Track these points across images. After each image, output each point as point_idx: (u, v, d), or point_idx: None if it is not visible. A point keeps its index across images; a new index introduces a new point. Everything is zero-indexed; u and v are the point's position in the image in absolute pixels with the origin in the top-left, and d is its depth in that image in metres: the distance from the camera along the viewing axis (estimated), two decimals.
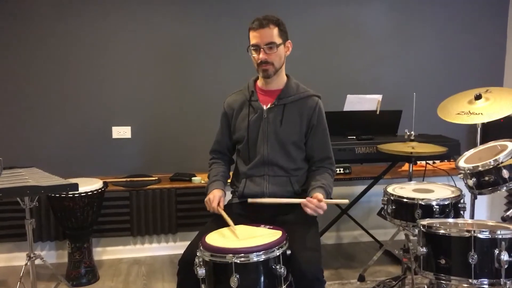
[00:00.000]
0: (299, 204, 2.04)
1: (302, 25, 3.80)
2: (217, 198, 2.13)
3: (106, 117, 3.63)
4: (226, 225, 2.05)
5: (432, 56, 4.05)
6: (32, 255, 2.62)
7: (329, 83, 3.77)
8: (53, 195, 2.97)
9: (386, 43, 3.97)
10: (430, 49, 4.04)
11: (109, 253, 3.60)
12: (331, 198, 2.16)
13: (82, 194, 2.98)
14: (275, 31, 2.14)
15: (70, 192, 2.89)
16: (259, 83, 2.31)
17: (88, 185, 3.05)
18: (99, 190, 3.09)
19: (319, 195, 2.02)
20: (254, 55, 2.18)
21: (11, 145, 3.51)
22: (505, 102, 2.59)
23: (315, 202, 1.98)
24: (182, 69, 3.71)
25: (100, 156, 3.65)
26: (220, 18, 3.70)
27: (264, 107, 2.24)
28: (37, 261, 2.67)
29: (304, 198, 2.08)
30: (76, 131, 3.60)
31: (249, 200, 2.12)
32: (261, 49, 2.14)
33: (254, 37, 2.15)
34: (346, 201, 2.08)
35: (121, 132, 3.67)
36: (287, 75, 2.30)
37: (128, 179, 3.56)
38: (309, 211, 2.00)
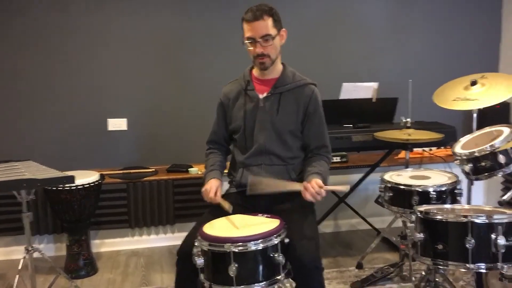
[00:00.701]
0: (296, 192, 2.04)
1: (298, 14, 3.77)
2: (214, 188, 2.13)
3: (102, 109, 3.62)
4: (224, 214, 2.05)
5: (427, 43, 4.04)
6: (30, 248, 2.61)
7: (325, 72, 3.75)
8: (49, 188, 2.97)
9: (382, 31, 3.96)
10: (425, 36, 4.03)
11: (108, 245, 3.60)
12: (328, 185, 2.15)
13: (79, 187, 2.97)
14: (270, 22, 2.11)
15: (66, 185, 2.88)
16: (255, 72, 2.30)
17: (85, 177, 3.04)
18: (96, 183, 3.09)
19: (319, 181, 2.01)
20: (250, 48, 2.16)
21: (7, 139, 3.49)
22: (500, 88, 2.59)
23: (316, 188, 1.96)
24: (178, 60, 3.69)
25: (96, 148, 3.63)
26: (215, 10, 3.68)
27: (260, 96, 2.23)
28: (36, 254, 2.67)
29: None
30: (72, 124, 3.58)
31: (250, 182, 2.07)
32: (257, 42, 2.12)
33: (248, 30, 2.12)
34: (347, 187, 2.03)
35: (117, 124, 3.66)
36: (283, 64, 2.29)
37: (125, 171, 3.55)
38: (308, 196, 1.97)
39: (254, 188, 2.04)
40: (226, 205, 2.04)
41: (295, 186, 2.04)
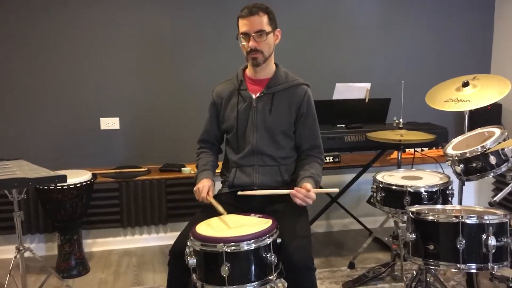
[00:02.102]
0: (289, 196, 2.05)
1: (291, 14, 3.78)
2: (206, 188, 2.13)
3: (94, 108, 3.60)
4: (216, 214, 2.05)
5: (419, 44, 4.06)
6: (21, 248, 2.60)
7: (318, 73, 3.77)
8: (41, 187, 2.95)
9: (374, 32, 3.98)
10: (417, 37, 4.06)
11: (99, 244, 3.59)
12: (320, 187, 2.17)
13: (70, 186, 2.96)
14: (265, 19, 2.13)
15: (58, 184, 2.87)
16: (248, 72, 2.30)
17: (77, 176, 3.02)
18: (88, 182, 3.07)
19: (308, 185, 2.02)
20: (244, 43, 2.17)
21: None
22: (492, 89, 2.61)
23: (304, 192, 1.98)
24: (171, 59, 3.68)
25: (88, 147, 3.62)
26: (208, 8, 3.68)
27: (253, 96, 2.24)
28: (27, 254, 2.65)
29: (293, 187, 2.09)
30: (64, 123, 3.56)
31: (239, 192, 2.11)
32: (251, 37, 2.13)
33: (243, 25, 2.14)
34: (336, 190, 2.08)
35: (109, 123, 3.65)
36: (276, 64, 2.29)
37: (117, 171, 3.54)
38: (298, 201, 2.00)
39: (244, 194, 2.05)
40: (221, 209, 2.03)
41: (285, 191, 2.04)
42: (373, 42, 3.98)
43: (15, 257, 2.60)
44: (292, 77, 2.28)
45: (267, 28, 2.14)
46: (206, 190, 2.12)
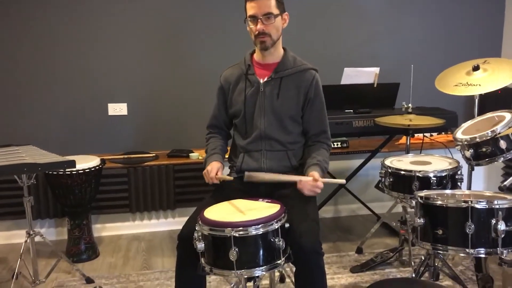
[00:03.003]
0: (296, 176, 2.05)
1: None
2: (215, 169, 2.13)
3: (102, 94, 3.61)
4: (224, 199, 2.05)
5: (429, 27, 4.01)
6: (31, 232, 2.63)
7: (326, 57, 3.74)
8: (50, 172, 2.97)
9: (383, 16, 3.92)
10: (427, 21, 4.00)
11: (109, 229, 3.62)
12: (328, 172, 2.16)
13: (79, 171, 2.97)
14: (273, 1, 2.11)
15: (67, 170, 2.88)
16: (256, 56, 2.29)
17: (85, 162, 3.04)
18: (97, 167, 3.09)
19: (315, 174, 2.02)
20: (252, 26, 2.15)
21: (6, 123, 3.48)
22: (503, 73, 2.57)
23: (311, 182, 1.99)
24: (178, 44, 3.66)
25: (97, 133, 3.63)
26: None
27: (261, 81, 2.22)
28: (37, 238, 2.69)
29: (301, 173, 2.09)
30: (72, 109, 3.57)
31: (246, 175, 2.11)
32: (259, 20, 2.11)
33: (251, 8, 2.11)
34: (342, 181, 2.09)
35: (117, 109, 3.65)
36: (284, 48, 2.27)
37: (126, 156, 3.55)
38: (306, 192, 2.01)
39: (250, 178, 2.06)
40: (227, 177, 2.07)
41: (291, 178, 2.04)
42: (382, 26, 3.93)
43: (26, 241, 2.63)
44: (300, 61, 2.26)
45: (275, 11, 2.12)
46: (215, 171, 2.13)
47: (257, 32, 2.13)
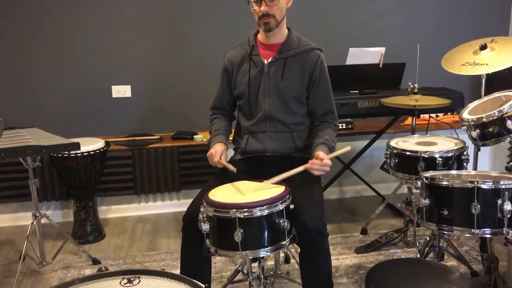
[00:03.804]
0: (302, 160, 2.04)
1: None
2: (219, 153, 2.13)
3: (106, 76, 3.59)
4: (229, 181, 2.05)
5: (435, 6, 3.95)
6: (37, 214, 2.65)
7: (331, 37, 3.69)
8: (55, 155, 2.98)
9: None
10: (433, 0, 3.94)
11: (114, 211, 3.64)
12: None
13: (84, 154, 2.98)
14: None
15: (72, 152, 2.88)
16: (260, 37, 2.26)
17: (90, 144, 3.04)
18: (101, 150, 3.09)
19: (320, 153, 2.01)
20: (255, 7, 2.12)
21: (11, 106, 3.48)
22: (510, 52, 2.54)
23: (318, 162, 1.98)
24: (181, 26, 3.63)
25: (101, 115, 3.62)
26: None
27: (265, 61, 2.20)
28: (43, 220, 2.71)
29: (306, 154, 2.07)
30: (76, 91, 3.56)
31: (271, 182, 1.98)
32: (262, 1, 2.08)
33: None
34: (348, 148, 2.05)
35: (121, 91, 3.64)
36: (288, 28, 2.24)
37: (130, 138, 3.55)
38: (316, 172, 1.99)
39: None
40: (230, 167, 2.05)
41: (301, 168, 2.01)
42: (387, 5, 3.87)
43: (32, 223, 2.65)
44: (305, 41, 2.23)
45: None
46: (219, 155, 2.12)
47: (261, 14, 2.10)
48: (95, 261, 2.87)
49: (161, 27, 3.61)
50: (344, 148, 2.05)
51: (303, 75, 2.19)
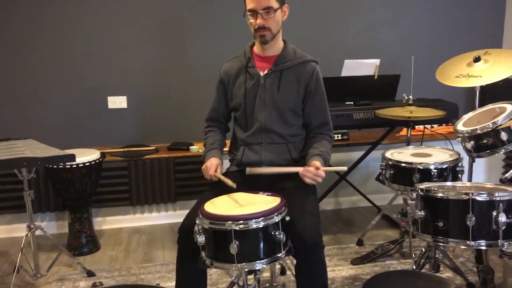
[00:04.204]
0: (297, 174, 2.05)
1: None
2: (214, 166, 2.13)
3: (102, 87, 3.59)
4: (225, 192, 2.05)
5: (430, 18, 3.99)
6: (32, 226, 2.64)
7: (326, 49, 3.72)
8: (50, 166, 2.97)
9: (384, 7, 3.90)
10: (428, 12, 3.97)
11: (109, 222, 3.62)
12: (329, 165, 2.16)
13: (79, 165, 2.97)
14: None
15: (67, 163, 2.88)
16: (256, 49, 2.27)
17: (85, 156, 3.03)
18: (97, 161, 3.08)
19: (317, 163, 2.02)
20: (251, 20, 2.13)
21: (6, 117, 3.47)
22: (504, 64, 2.56)
23: (313, 171, 1.99)
24: (178, 37, 3.65)
25: (96, 126, 3.62)
26: None
27: (261, 73, 2.21)
28: (38, 232, 2.69)
29: (302, 165, 2.08)
30: (71, 102, 3.56)
31: (247, 170, 2.11)
32: (258, 14, 2.09)
33: (250, 2, 2.10)
34: (344, 168, 2.09)
35: (117, 102, 3.64)
36: (284, 41, 2.26)
37: (126, 149, 3.55)
38: (307, 180, 2.01)
39: (252, 172, 2.06)
40: (230, 182, 2.03)
41: (293, 169, 2.03)
42: (382, 17, 3.90)
43: (27, 235, 2.64)
44: (301, 53, 2.25)
45: (275, 5, 2.10)
46: (214, 168, 2.13)
47: (257, 26, 2.11)
48: (90, 273, 2.85)
49: (158, 39, 3.62)
50: (340, 167, 2.11)
51: (299, 87, 2.21)
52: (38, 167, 3.09)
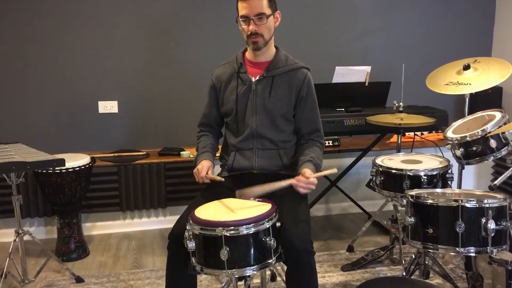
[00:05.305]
0: (288, 177, 2.04)
1: None
2: (205, 168, 2.13)
3: (92, 92, 3.58)
4: (215, 198, 2.04)
5: (420, 26, 4.02)
6: (20, 231, 2.61)
7: (317, 55, 3.74)
8: (39, 171, 2.94)
9: (374, 14, 3.93)
10: (418, 20, 4.02)
11: (99, 228, 3.60)
12: (320, 171, 2.16)
13: (69, 170, 2.95)
14: (265, 1, 2.10)
15: (57, 168, 2.86)
16: (248, 55, 2.28)
17: (75, 160, 3.01)
18: (87, 166, 3.06)
19: (307, 171, 2.02)
20: (244, 26, 2.14)
21: None
22: (493, 72, 2.59)
23: (304, 180, 1.99)
24: (169, 42, 3.65)
25: (87, 131, 3.60)
26: None
27: (253, 79, 2.22)
28: (26, 237, 2.66)
29: (293, 171, 2.08)
30: (62, 106, 3.54)
31: (237, 194, 2.03)
32: (251, 21, 2.10)
33: (243, 8, 2.10)
34: (334, 170, 2.07)
35: (108, 106, 3.62)
36: (276, 47, 2.27)
37: (116, 154, 3.53)
38: (302, 190, 2.00)
39: (243, 195, 2.02)
40: (218, 178, 2.05)
41: (285, 183, 2.02)
42: (373, 25, 3.94)
43: (15, 240, 2.61)
44: (292, 60, 2.26)
45: (267, 11, 2.11)
46: (206, 170, 2.12)
47: (249, 33, 2.12)
48: (79, 279, 2.82)
49: (149, 44, 3.62)
50: (330, 170, 2.05)
51: (290, 93, 2.21)
52: (27, 172, 3.06)
